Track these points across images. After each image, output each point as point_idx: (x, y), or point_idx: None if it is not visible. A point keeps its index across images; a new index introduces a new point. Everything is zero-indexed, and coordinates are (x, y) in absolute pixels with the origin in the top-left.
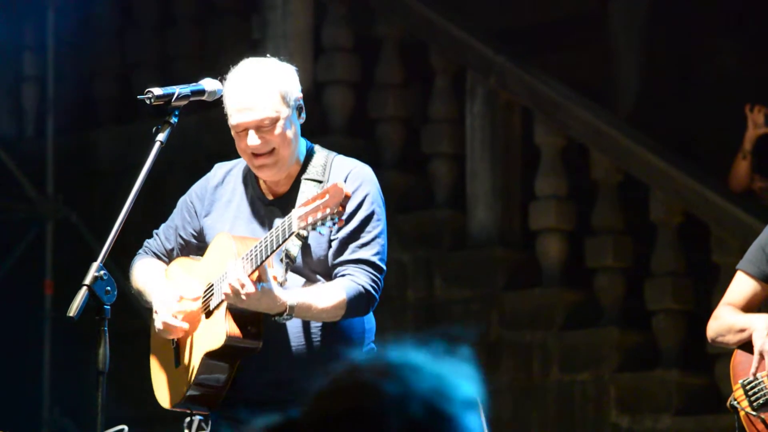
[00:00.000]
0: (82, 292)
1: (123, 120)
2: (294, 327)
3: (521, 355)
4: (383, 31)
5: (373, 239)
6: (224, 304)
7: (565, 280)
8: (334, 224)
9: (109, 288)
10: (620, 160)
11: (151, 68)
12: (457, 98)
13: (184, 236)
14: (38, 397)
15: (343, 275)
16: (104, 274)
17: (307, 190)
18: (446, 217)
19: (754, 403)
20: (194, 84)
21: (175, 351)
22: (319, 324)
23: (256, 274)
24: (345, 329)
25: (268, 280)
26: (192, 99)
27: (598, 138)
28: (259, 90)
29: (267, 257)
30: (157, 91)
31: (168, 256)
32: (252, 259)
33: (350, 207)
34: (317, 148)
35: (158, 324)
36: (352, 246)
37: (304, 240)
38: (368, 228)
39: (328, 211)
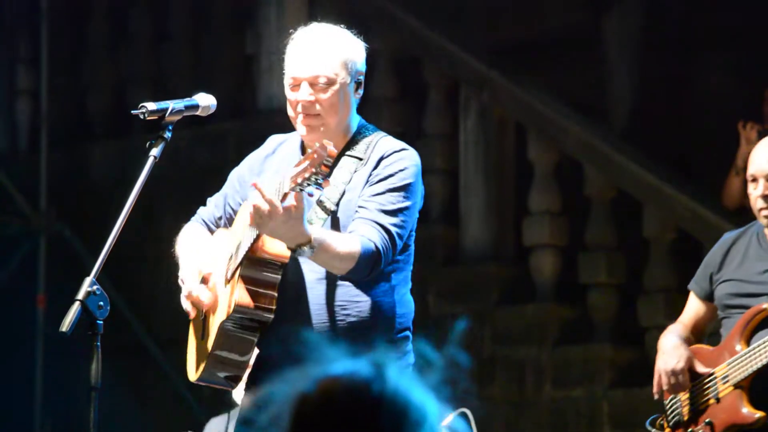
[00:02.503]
0: (75, 307)
1: (117, 135)
2: (324, 303)
3: (514, 371)
4: (377, 46)
5: (396, 210)
6: (238, 272)
7: (558, 296)
8: (319, 185)
9: (101, 303)
10: (614, 177)
11: (145, 83)
12: (451, 113)
13: (233, 205)
14: (30, 412)
15: (359, 233)
16: (97, 289)
17: (345, 166)
18: (439, 233)
19: (671, 422)
20: (188, 99)
21: (202, 323)
22: (351, 301)
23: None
24: (372, 311)
25: (298, 209)
26: (186, 114)
27: (592, 154)
28: (323, 48)
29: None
30: (151, 105)
31: (216, 225)
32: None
33: (384, 172)
34: (370, 127)
35: (181, 300)
36: (374, 209)
37: (332, 213)
38: (394, 199)
39: (313, 170)
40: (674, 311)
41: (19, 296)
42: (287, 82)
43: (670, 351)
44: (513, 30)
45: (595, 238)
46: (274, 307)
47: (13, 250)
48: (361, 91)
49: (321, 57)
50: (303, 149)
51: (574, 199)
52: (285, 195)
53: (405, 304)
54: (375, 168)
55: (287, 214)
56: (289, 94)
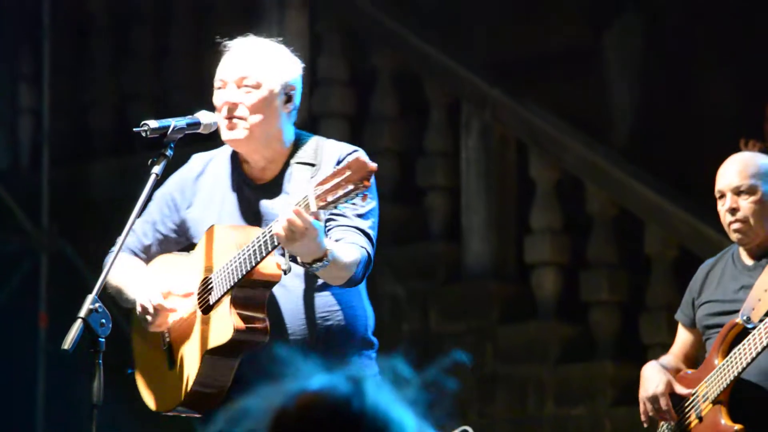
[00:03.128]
0: (77, 325)
1: (118, 152)
2: (304, 317)
3: (516, 388)
4: (378, 63)
5: (367, 212)
6: (227, 298)
7: (560, 314)
8: (358, 199)
9: (103, 321)
10: (615, 194)
11: (147, 100)
12: (452, 131)
13: (164, 231)
14: (31, 430)
15: (348, 241)
16: (99, 306)
17: (298, 174)
18: (441, 250)
19: None
20: (190, 116)
21: (167, 352)
22: (331, 310)
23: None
24: (349, 318)
25: (321, 220)
26: (188, 131)
27: (593, 171)
28: (253, 54)
29: (273, 248)
30: (153, 123)
31: (146, 253)
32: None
33: None
34: (306, 134)
35: (148, 318)
36: (351, 214)
37: None
38: (363, 201)
39: (351, 186)
40: (676, 329)
41: (21, 314)
42: (215, 85)
43: (649, 378)
44: (514, 47)
45: (597, 255)
46: (267, 327)
47: (14, 268)
48: (291, 106)
49: (249, 61)
50: (234, 163)
51: (575, 217)
52: (315, 213)
53: (369, 308)
54: None
55: (314, 229)
56: (216, 97)
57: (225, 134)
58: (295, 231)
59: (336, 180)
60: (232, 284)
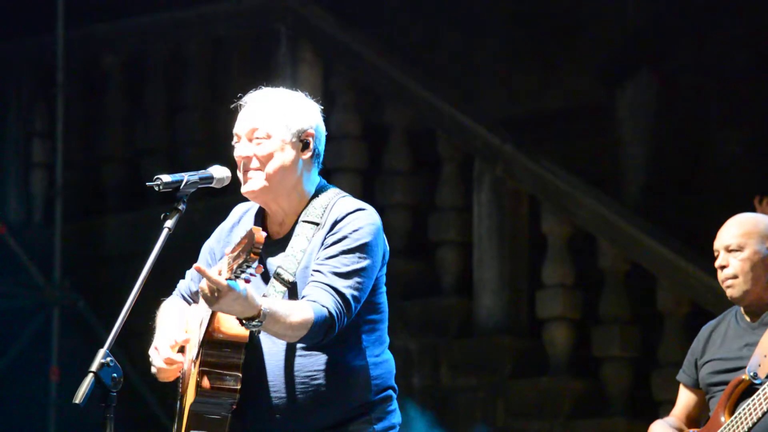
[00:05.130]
0: (89, 379)
1: (131, 207)
2: (293, 376)
3: None
4: (391, 119)
5: (350, 273)
6: (200, 355)
7: (572, 369)
8: (251, 269)
9: (115, 375)
10: (627, 250)
11: (160, 155)
12: (465, 186)
13: None
14: None
15: (311, 298)
16: (111, 360)
17: (302, 233)
18: (453, 305)
19: None
20: (203, 171)
21: (179, 403)
22: (321, 370)
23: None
24: (344, 377)
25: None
26: (201, 186)
27: (606, 227)
28: (263, 105)
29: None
30: (166, 177)
31: (193, 299)
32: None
33: (337, 235)
34: (329, 188)
35: (153, 370)
36: (327, 272)
37: (291, 285)
38: (348, 261)
39: (244, 256)
40: None
41: (33, 368)
42: (233, 141)
43: None
44: (527, 102)
45: (609, 311)
46: (238, 387)
47: (26, 322)
48: (310, 153)
49: (258, 113)
50: (262, 217)
51: (587, 272)
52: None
53: (380, 364)
54: (329, 231)
55: (235, 293)
56: (234, 153)
57: (243, 188)
58: (208, 294)
59: (238, 250)
60: (200, 343)
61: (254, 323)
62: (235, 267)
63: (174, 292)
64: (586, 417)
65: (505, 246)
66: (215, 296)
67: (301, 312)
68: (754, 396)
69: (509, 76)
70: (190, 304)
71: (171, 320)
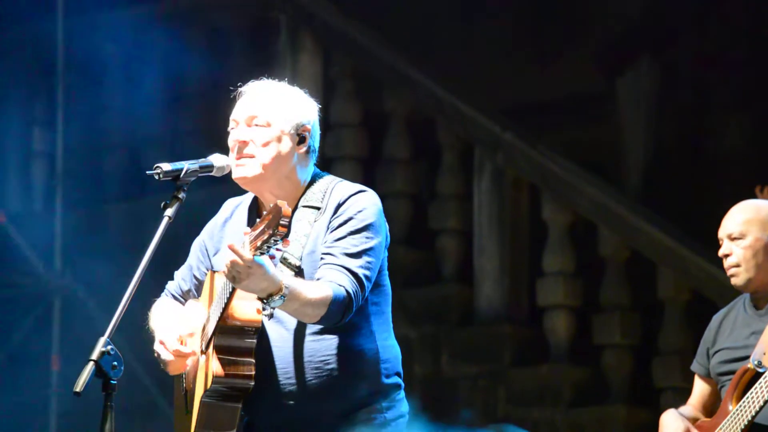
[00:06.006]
0: (89, 368)
1: (132, 195)
2: (305, 362)
3: None
4: (391, 107)
5: (360, 252)
6: (212, 343)
7: (572, 357)
8: (278, 244)
9: (116, 363)
10: (628, 237)
11: (160, 143)
12: (465, 174)
13: (199, 276)
14: None
15: (327, 279)
16: (111, 349)
17: (303, 218)
18: (453, 293)
19: None
20: (203, 159)
21: (184, 397)
22: (333, 354)
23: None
24: (356, 361)
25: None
26: (201, 174)
27: (606, 215)
28: (264, 94)
29: (233, 292)
30: (166, 166)
31: (185, 297)
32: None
33: (342, 217)
34: (324, 175)
35: (160, 363)
36: (339, 253)
37: (297, 269)
38: (356, 241)
39: (270, 232)
40: (689, 373)
41: (33, 356)
42: (229, 127)
43: (668, 425)
44: (527, 91)
45: (610, 298)
46: (252, 373)
47: (27, 311)
48: (307, 148)
49: (259, 101)
50: (256, 207)
51: (588, 260)
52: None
53: (388, 349)
54: (333, 215)
55: (262, 269)
56: (229, 138)
57: (235, 172)
58: (239, 271)
59: (261, 226)
60: (213, 330)
61: (276, 299)
62: (259, 243)
63: (163, 293)
64: (587, 405)
65: (505, 234)
66: (247, 272)
67: (320, 290)
68: (757, 384)
69: (510, 64)
70: (183, 303)
71: (170, 317)
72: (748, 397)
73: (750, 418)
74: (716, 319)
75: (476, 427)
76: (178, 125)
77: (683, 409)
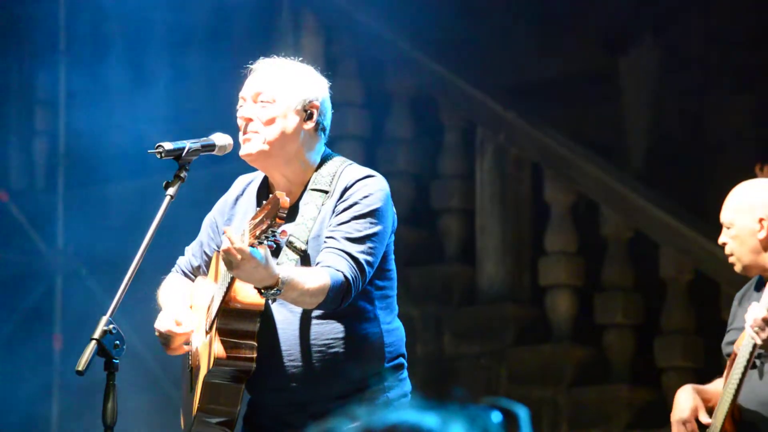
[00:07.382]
0: (91, 346)
1: (133, 174)
2: (309, 344)
3: (530, 411)
4: (393, 86)
5: (363, 237)
6: (215, 325)
7: (574, 337)
8: (275, 235)
9: (118, 342)
10: (630, 217)
11: (162, 122)
12: (467, 154)
13: (209, 252)
14: None
15: (326, 264)
16: (113, 327)
17: (311, 201)
18: (456, 273)
19: None
20: (205, 138)
21: (189, 375)
22: (337, 337)
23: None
24: (359, 344)
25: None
26: (203, 153)
27: (609, 194)
28: (271, 71)
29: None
30: (168, 145)
31: (195, 273)
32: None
33: (348, 201)
34: (334, 156)
35: (162, 343)
36: (341, 237)
37: (303, 252)
38: (360, 226)
39: (268, 222)
40: (691, 352)
41: (35, 335)
42: (238, 105)
43: (679, 401)
44: (529, 71)
45: (612, 278)
46: (254, 356)
47: (29, 289)
48: (313, 125)
49: (266, 78)
50: (266, 187)
51: (590, 240)
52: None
53: (392, 331)
54: (339, 199)
55: (255, 261)
56: (237, 115)
57: (241, 150)
58: (230, 260)
59: (261, 216)
60: (216, 312)
61: (273, 291)
62: (258, 233)
63: (173, 269)
64: (589, 384)
65: (507, 214)
66: (238, 261)
67: (318, 278)
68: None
69: (512, 43)
70: (192, 280)
71: (174, 297)
72: (729, 382)
73: (729, 402)
74: (736, 299)
75: (470, 403)
76: (180, 104)
77: (710, 384)
